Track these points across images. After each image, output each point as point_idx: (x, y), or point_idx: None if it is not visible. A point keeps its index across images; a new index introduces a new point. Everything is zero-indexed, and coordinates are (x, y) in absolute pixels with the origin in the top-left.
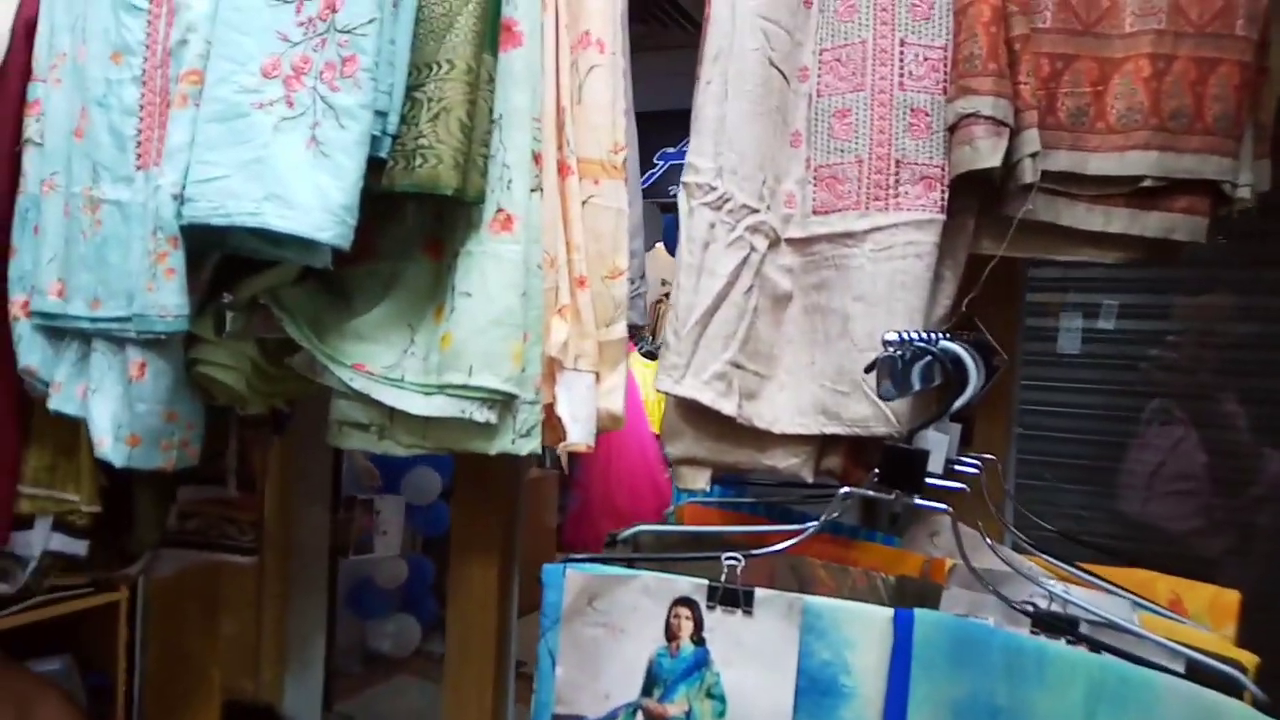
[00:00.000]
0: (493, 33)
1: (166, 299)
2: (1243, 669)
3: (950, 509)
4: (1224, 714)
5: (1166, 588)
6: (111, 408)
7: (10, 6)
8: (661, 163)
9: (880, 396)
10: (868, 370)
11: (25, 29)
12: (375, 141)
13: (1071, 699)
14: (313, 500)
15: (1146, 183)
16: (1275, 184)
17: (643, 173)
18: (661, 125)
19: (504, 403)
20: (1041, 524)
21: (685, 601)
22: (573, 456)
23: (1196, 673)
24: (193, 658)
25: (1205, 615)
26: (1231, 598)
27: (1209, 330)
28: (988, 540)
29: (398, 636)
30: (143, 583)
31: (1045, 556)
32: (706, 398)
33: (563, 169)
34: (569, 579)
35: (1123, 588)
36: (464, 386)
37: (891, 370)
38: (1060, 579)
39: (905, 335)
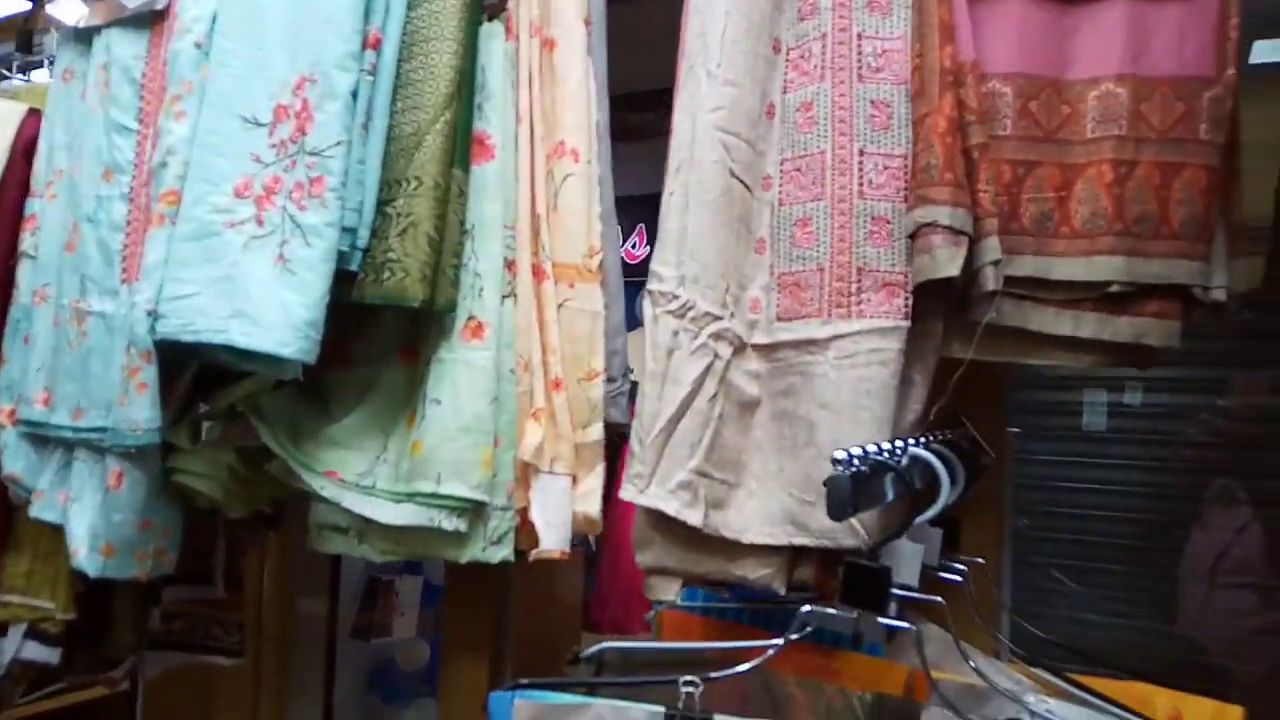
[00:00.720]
0: (463, 148)
1: (137, 413)
2: None
3: (915, 626)
4: None
5: (1167, 702)
6: (89, 517)
7: (10, 128)
8: None
9: (831, 518)
10: (826, 485)
11: (24, 148)
12: (346, 256)
13: None
14: (310, 592)
15: (1114, 287)
16: None
17: None
18: None
19: (474, 510)
20: (1036, 631)
21: None
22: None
23: None
24: None
25: None
26: (1234, 714)
27: (1247, 405)
28: (968, 656)
29: None
30: (141, 679)
31: (1034, 669)
32: (671, 508)
33: (538, 273)
34: (517, 710)
35: (1116, 703)
36: (433, 495)
37: (841, 491)
38: (1049, 693)
39: (854, 452)
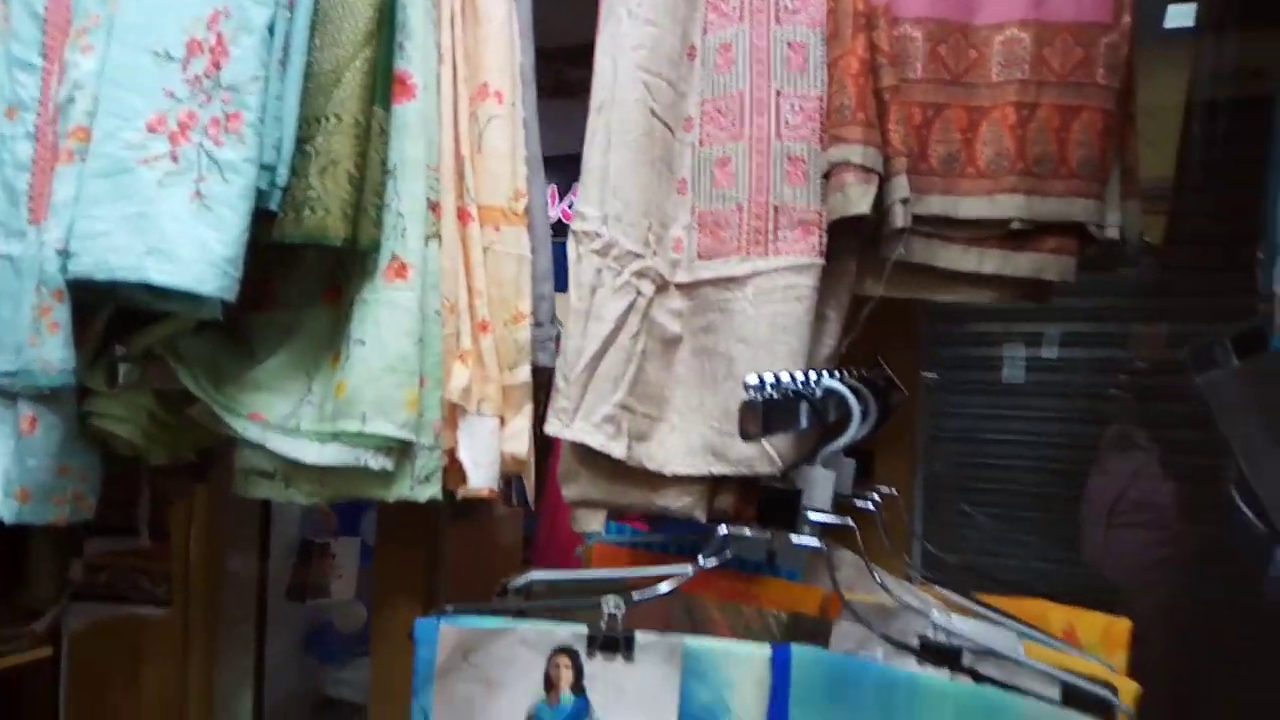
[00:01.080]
0: (384, 86)
1: (50, 354)
2: (1115, 691)
3: (825, 545)
4: None
5: (1061, 618)
6: (2, 463)
7: None
8: None
9: (743, 438)
10: (740, 408)
11: None
12: (265, 194)
13: None
14: (241, 547)
15: (1015, 225)
16: (1209, 219)
17: None
18: None
19: (401, 449)
20: (944, 556)
21: (565, 650)
22: (540, 486)
23: (1071, 696)
24: (115, 712)
25: (1098, 645)
26: (1123, 626)
27: (1152, 358)
28: (875, 574)
29: (356, 683)
30: (66, 638)
31: (940, 589)
32: (596, 441)
33: (463, 216)
34: (443, 634)
35: (1014, 618)
36: (358, 434)
37: (753, 414)
38: (954, 611)
39: (766, 379)
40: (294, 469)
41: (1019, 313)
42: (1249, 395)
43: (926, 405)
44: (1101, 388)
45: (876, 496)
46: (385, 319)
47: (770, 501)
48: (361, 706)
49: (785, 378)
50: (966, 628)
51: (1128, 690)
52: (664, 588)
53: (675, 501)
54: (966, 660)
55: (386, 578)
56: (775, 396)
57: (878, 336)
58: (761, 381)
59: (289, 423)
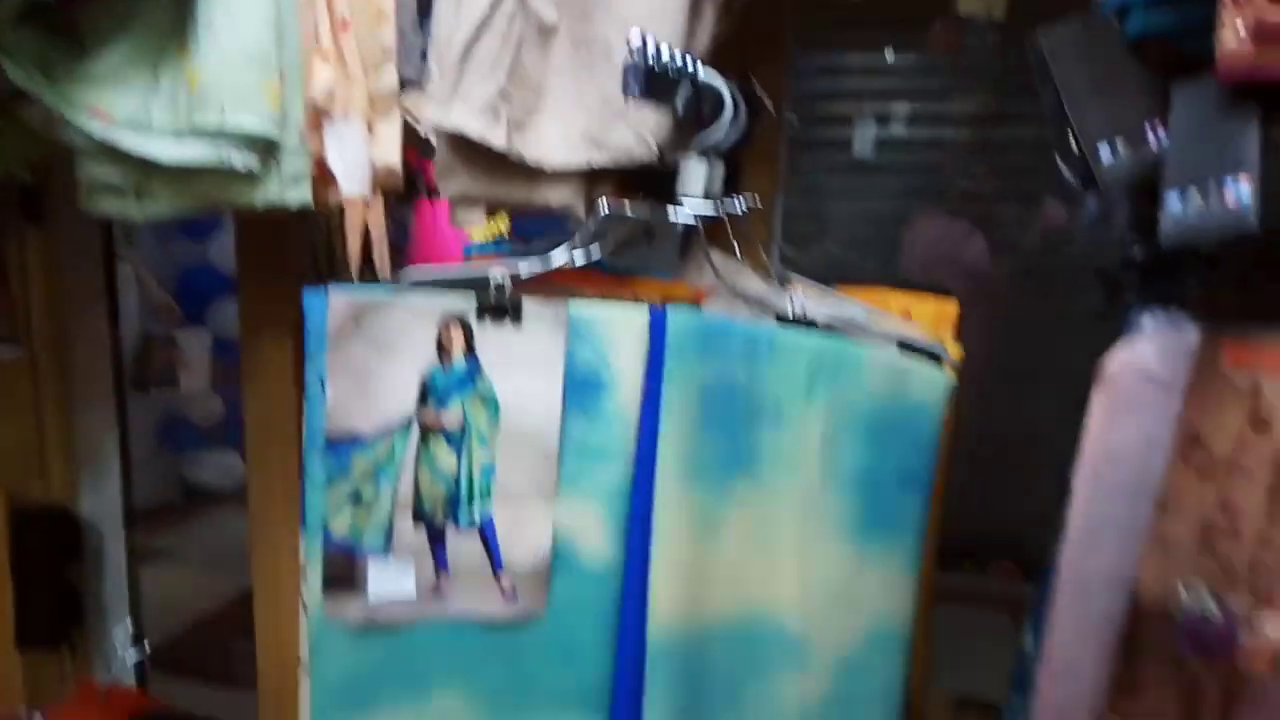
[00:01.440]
0: None
1: None
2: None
3: (699, 224)
4: (912, 373)
5: (900, 302)
6: None
7: None
8: None
9: (625, 94)
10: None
11: None
12: None
13: (796, 373)
14: (84, 299)
15: None
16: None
17: None
18: None
19: (265, 149)
20: (797, 259)
21: (455, 318)
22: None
23: (906, 346)
24: None
25: (931, 324)
26: (951, 308)
27: (984, 135)
28: (743, 260)
29: (219, 469)
30: None
31: (800, 277)
32: (474, 128)
33: None
34: (333, 304)
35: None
36: (219, 130)
37: (636, 74)
38: (810, 296)
39: (648, 42)
40: (148, 176)
41: (869, 93)
42: (1078, 48)
43: (782, 180)
44: (941, 164)
45: (743, 200)
46: (236, 3)
47: (648, 183)
48: (228, 494)
49: (666, 52)
50: (822, 307)
51: (955, 351)
52: (555, 259)
53: (554, 195)
54: (820, 326)
55: (252, 311)
56: (653, 66)
57: (746, 59)
58: (644, 40)
59: (139, 118)
